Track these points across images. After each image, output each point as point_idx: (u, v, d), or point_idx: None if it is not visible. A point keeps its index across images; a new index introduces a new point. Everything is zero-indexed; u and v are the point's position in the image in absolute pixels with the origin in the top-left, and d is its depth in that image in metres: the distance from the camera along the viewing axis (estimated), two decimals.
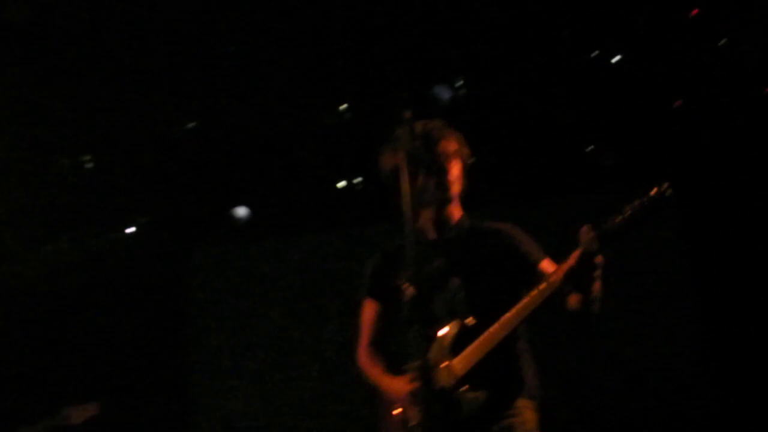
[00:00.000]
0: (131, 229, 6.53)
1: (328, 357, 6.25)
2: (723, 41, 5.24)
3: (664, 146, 5.61)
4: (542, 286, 2.71)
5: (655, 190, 2.46)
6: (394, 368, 3.07)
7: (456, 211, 3.13)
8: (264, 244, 6.70)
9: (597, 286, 2.68)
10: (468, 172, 3.13)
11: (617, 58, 5.40)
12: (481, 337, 2.80)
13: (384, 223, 5.74)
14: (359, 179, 6.21)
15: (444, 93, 5.25)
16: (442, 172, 3.01)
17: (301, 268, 6.57)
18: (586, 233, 2.55)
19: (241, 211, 6.38)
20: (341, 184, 6.16)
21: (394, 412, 2.94)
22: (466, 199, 3.16)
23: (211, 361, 6.61)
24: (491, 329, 2.79)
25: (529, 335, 3.04)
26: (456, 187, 3.07)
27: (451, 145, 3.05)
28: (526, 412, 2.96)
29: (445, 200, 3.06)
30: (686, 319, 5.65)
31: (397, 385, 2.96)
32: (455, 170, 3.05)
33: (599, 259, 2.57)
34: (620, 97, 5.52)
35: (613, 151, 5.86)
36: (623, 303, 5.14)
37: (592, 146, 5.93)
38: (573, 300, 2.80)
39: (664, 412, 5.54)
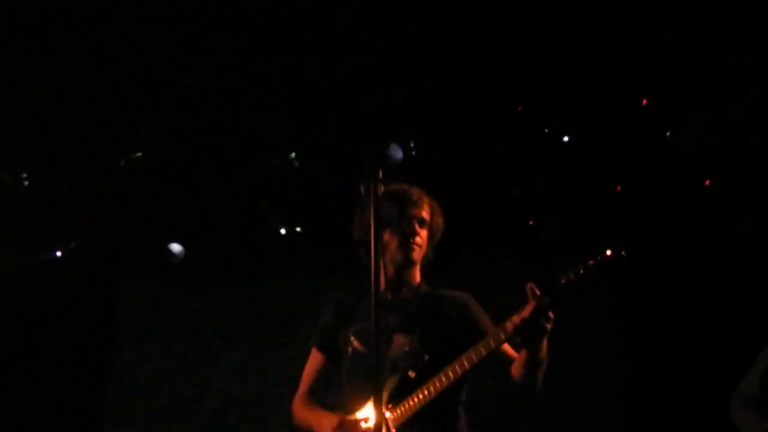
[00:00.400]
0: (59, 253, 6.36)
1: (249, 405, 6.16)
2: (668, 133, 5.45)
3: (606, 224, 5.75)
4: (489, 338, 2.70)
5: (610, 252, 2.50)
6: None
7: (415, 275, 3.14)
8: (197, 282, 6.58)
9: (545, 350, 2.68)
10: (435, 241, 3.14)
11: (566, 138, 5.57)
12: (421, 391, 2.79)
13: (325, 275, 5.91)
14: (299, 228, 6.22)
15: (396, 152, 5.30)
16: (407, 235, 3.02)
17: (230, 311, 6.48)
18: (531, 289, 2.57)
19: (177, 248, 6.27)
20: (282, 230, 6.13)
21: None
22: (427, 267, 3.18)
23: (129, 397, 6.42)
24: (430, 382, 2.77)
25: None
26: (418, 252, 3.06)
27: (423, 211, 3.07)
28: None
29: (406, 263, 3.06)
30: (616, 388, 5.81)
31: (325, 418, 2.97)
32: (422, 236, 3.06)
33: (551, 314, 2.58)
34: (568, 175, 5.69)
35: (556, 225, 5.99)
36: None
37: (534, 221, 6.06)
38: (518, 366, 2.80)
39: None
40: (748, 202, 5.53)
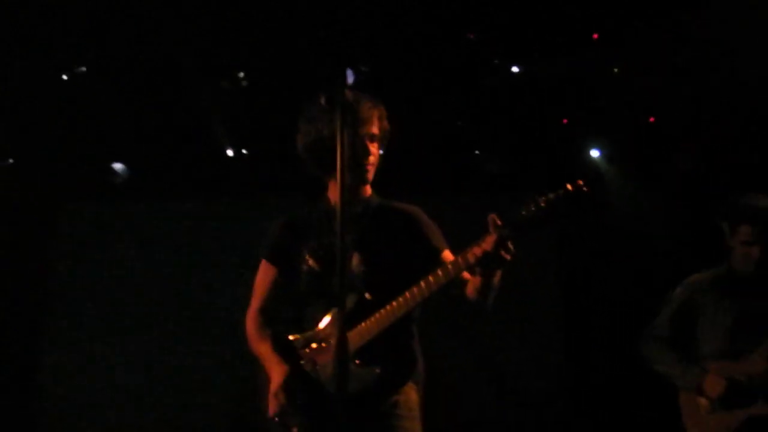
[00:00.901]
0: None
1: (199, 330, 6.13)
2: (616, 69, 5.54)
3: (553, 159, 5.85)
4: (449, 266, 2.70)
5: (570, 186, 2.47)
6: (284, 339, 3.01)
7: (366, 190, 3.08)
8: (141, 204, 6.43)
9: (499, 275, 2.70)
10: (385, 154, 3.08)
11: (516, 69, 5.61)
12: (378, 314, 2.79)
13: (272, 196, 5.88)
14: (245, 151, 6.16)
15: (348, 76, 5.27)
16: (360, 155, 2.93)
17: (174, 233, 6.38)
18: (493, 220, 2.55)
19: (120, 168, 6.15)
20: (230, 152, 6.06)
21: (270, 393, 2.90)
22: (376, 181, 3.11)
23: (71, 318, 6.31)
24: (389, 306, 2.77)
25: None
26: (372, 170, 3.00)
27: (374, 127, 2.98)
28: (411, 392, 2.97)
29: (359, 183, 3.00)
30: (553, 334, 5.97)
31: (275, 366, 2.93)
32: (374, 153, 2.98)
33: (511, 245, 2.58)
34: (516, 108, 5.75)
35: (499, 159, 6.06)
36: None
37: (480, 152, 6.11)
38: (471, 289, 2.81)
39: (527, 418, 5.81)
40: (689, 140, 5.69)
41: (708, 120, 5.53)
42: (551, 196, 2.48)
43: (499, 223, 2.53)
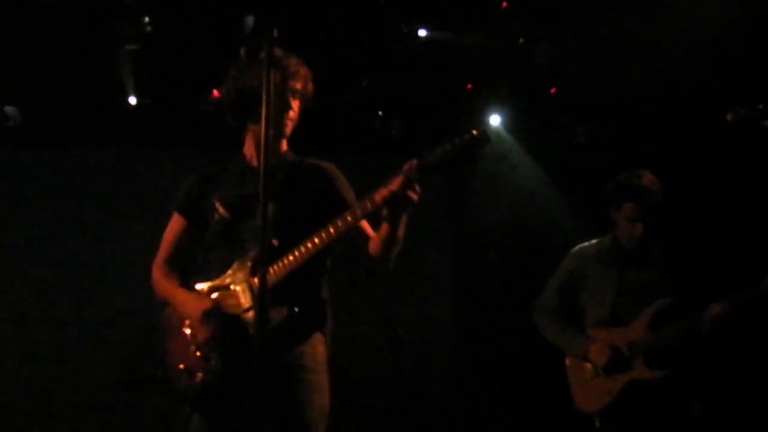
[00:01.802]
0: None
1: (103, 280, 6.04)
2: (521, 41, 5.66)
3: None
4: (356, 209, 2.74)
5: (475, 132, 2.64)
6: (191, 287, 3.00)
7: (284, 145, 3.10)
8: (33, 151, 6.26)
9: (403, 224, 2.75)
10: (303, 113, 3.08)
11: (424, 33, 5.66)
12: (284, 259, 2.79)
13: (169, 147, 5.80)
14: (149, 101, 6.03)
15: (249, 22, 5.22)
16: (281, 108, 2.95)
17: (67, 183, 6.24)
18: (409, 164, 2.64)
19: (11, 111, 5.94)
20: (132, 101, 5.92)
21: (185, 330, 2.89)
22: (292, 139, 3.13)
23: None
24: (295, 251, 2.78)
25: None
26: (291, 126, 3.02)
27: (299, 83, 2.99)
28: (318, 344, 2.99)
29: (277, 137, 3.01)
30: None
31: (191, 301, 2.92)
32: (295, 110, 3.00)
33: (418, 187, 2.65)
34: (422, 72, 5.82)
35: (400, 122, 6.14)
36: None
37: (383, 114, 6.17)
38: (375, 244, 2.88)
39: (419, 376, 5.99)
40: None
41: (610, 92, 5.69)
42: (456, 139, 2.62)
43: (410, 166, 2.64)
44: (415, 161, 2.64)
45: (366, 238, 2.94)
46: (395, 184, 2.64)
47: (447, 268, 6.32)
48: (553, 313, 4.34)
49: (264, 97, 2.22)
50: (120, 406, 5.80)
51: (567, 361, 4.27)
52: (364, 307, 5.88)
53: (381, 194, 2.67)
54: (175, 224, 3.14)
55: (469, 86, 6.05)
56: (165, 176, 5.46)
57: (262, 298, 2.20)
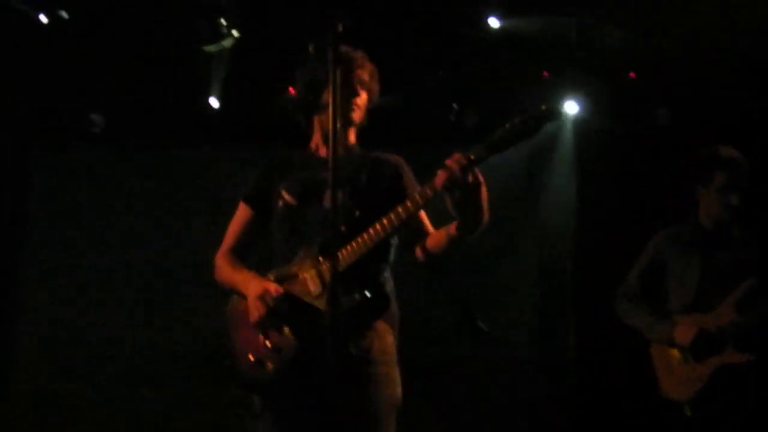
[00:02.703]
0: None
1: (174, 280, 6.09)
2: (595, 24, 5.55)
3: None
4: (416, 195, 2.69)
5: (544, 107, 2.55)
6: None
7: (351, 137, 3.10)
8: (114, 150, 6.33)
9: (483, 196, 2.62)
10: (371, 109, 3.09)
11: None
12: (350, 245, 2.75)
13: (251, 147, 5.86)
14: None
15: None
16: (349, 95, 2.95)
17: (149, 180, 6.32)
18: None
19: (96, 118, 6.09)
20: (215, 103, 5.99)
21: (253, 319, 2.84)
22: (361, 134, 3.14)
23: (44, 270, 6.29)
24: (360, 238, 2.74)
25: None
26: (358, 113, 3.03)
27: (365, 74, 3.01)
28: (386, 335, 2.93)
29: (344, 123, 3.01)
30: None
31: (254, 280, 2.89)
32: (362, 98, 3.01)
33: (478, 172, 2.57)
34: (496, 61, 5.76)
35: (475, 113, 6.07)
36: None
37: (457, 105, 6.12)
38: (432, 240, 2.85)
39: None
40: None
41: (688, 76, 5.54)
42: (525, 116, 2.54)
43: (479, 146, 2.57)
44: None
45: (424, 233, 2.92)
46: (454, 164, 2.56)
47: (533, 260, 6.17)
48: (637, 299, 4.23)
49: (331, 88, 2.28)
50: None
51: (652, 350, 4.15)
52: (443, 297, 5.81)
53: (440, 178, 2.59)
54: (242, 213, 3.13)
55: (546, 74, 5.96)
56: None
57: (334, 284, 2.21)
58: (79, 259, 6.25)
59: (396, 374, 2.95)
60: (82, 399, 6.04)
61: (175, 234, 6.18)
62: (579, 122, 5.94)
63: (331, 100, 2.28)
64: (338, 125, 2.79)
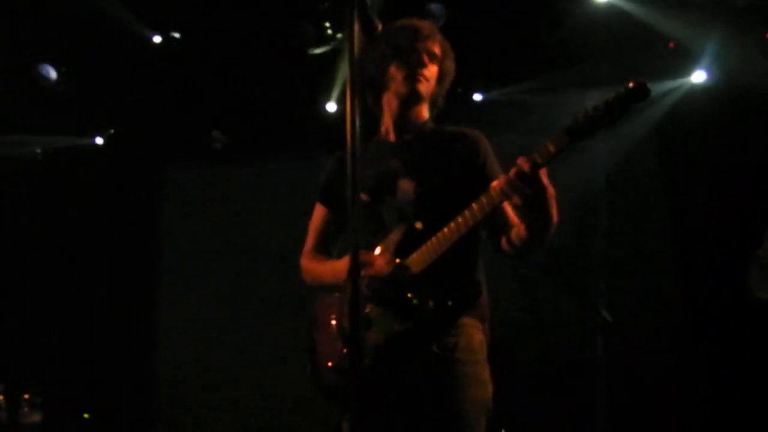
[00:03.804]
0: (99, 140, 6.36)
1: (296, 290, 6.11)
2: None
3: None
4: (500, 182, 2.39)
5: (631, 83, 2.19)
6: None
7: (422, 112, 2.82)
8: (241, 167, 6.45)
9: (549, 201, 2.35)
10: (445, 84, 2.82)
11: None
12: (429, 243, 2.52)
13: None
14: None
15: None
16: (415, 66, 2.71)
17: (279, 195, 6.36)
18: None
19: (217, 134, 6.20)
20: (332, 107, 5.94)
21: (332, 323, 2.70)
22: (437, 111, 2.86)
23: (179, 280, 6.49)
24: (439, 234, 2.50)
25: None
26: (426, 86, 2.75)
27: (435, 46, 2.75)
28: (473, 332, 2.66)
29: (411, 96, 2.74)
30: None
31: (342, 264, 2.69)
32: (431, 71, 2.74)
33: (543, 177, 2.30)
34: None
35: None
36: None
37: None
38: (516, 232, 2.54)
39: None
40: None
41: None
42: (610, 97, 2.21)
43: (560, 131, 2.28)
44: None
45: (509, 226, 2.60)
46: (525, 163, 2.29)
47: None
48: None
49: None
50: None
51: None
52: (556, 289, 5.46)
53: (498, 185, 2.35)
54: (318, 214, 2.97)
55: (671, 45, 5.54)
56: None
57: (356, 308, 1.97)
58: (208, 272, 6.42)
59: (486, 374, 2.67)
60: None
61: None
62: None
63: (348, 90, 2.01)
64: (396, 109, 2.72)
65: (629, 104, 2.20)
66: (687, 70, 5.43)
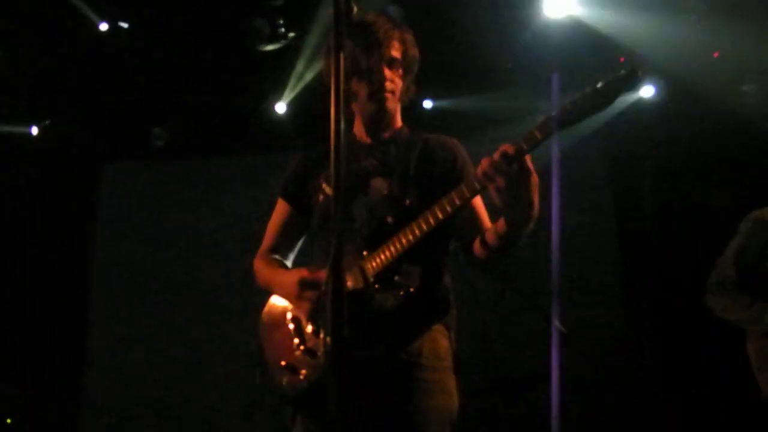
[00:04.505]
0: (35, 130, 6.09)
1: (238, 287, 5.81)
2: None
3: None
4: (471, 180, 2.28)
5: (623, 71, 2.10)
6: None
7: (395, 121, 2.71)
8: (180, 163, 6.30)
9: (532, 188, 2.19)
10: (412, 72, 2.68)
11: None
12: (397, 236, 2.39)
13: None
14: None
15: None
16: (377, 81, 2.57)
17: (219, 191, 6.25)
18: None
19: (158, 132, 6.01)
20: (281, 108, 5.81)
21: (288, 324, 2.55)
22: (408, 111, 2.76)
23: (112, 281, 6.27)
24: (407, 228, 2.37)
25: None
26: (392, 100, 2.62)
27: (392, 49, 2.60)
28: (439, 338, 2.55)
29: (379, 113, 2.63)
30: None
31: (289, 276, 2.53)
32: (394, 80, 2.61)
33: (528, 163, 2.17)
34: None
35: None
36: None
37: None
38: (490, 235, 2.39)
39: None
40: None
41: None
42: (600, 83, 2.12)
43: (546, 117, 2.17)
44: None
45: (480, 227, 2.49)
46: (506, 149, 2.17)
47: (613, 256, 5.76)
48: (732, 286, 3.74)
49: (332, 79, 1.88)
50: None
51: (751, 346, 3.65)
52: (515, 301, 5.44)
53: (481, 168, 2.21)
54: (280, 210, 2.80)
55: (622, 59, 5.56)
56: None
57: (337, 305, 1.84)
58: (146, 272, 6.23)
59: (451, 383, 2.54)
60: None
61: (241, 243, 5.92)
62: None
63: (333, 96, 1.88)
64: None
65: (619, 92, 2.11)
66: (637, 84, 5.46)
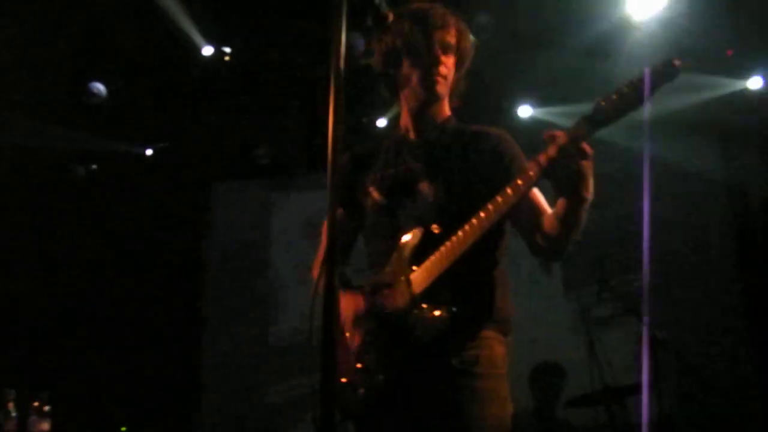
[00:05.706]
0: (149, 151, 6.34)
1: None
2: None
3: None
4: (518, 182, 2.18)
5: (659, 64, 2.01)
6: (351, 285, 2.55)
7: (443, 110, 2.59)
8: (286, 181, 6.47)
9: (586, 184, 2.12)
10: (465, 65, 2.58)
11: None
12: (444, 247, 2.29)
13: None
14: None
15: None
16: (430, 65, 2.49)
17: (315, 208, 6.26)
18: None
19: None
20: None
21: (345, 340, 2.47)
22: (460, 103, 2.63)
23: (222, 290, 6.51)
24: (455, 237, 2.27)
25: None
26: (444, 85, 2.52)
27: (448, 35, 2.51)
28: (494, 345, 2.42)
29: (429, 98, 2.52)
30: None
31: (345, 301, 2.47)
32: (447, 65, 2.51)
33: (585, 146, 2.07)
34: None
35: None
36: None
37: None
38: (550, 221, 2.29)
39: None
40: None
41: None
42: (635, 79, 2.03)
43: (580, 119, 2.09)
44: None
45: (538, 213, 2.36)
46: (560, 141, 2.09)
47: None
48: None
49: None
50: None
51: None
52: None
53: (546, 154, 2.12)
54: None
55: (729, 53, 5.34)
56: None
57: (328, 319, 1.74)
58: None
59: (505, 391, 2.42)
60: None
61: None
62: None
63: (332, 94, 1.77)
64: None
65: (657, 85, 2.00)
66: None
